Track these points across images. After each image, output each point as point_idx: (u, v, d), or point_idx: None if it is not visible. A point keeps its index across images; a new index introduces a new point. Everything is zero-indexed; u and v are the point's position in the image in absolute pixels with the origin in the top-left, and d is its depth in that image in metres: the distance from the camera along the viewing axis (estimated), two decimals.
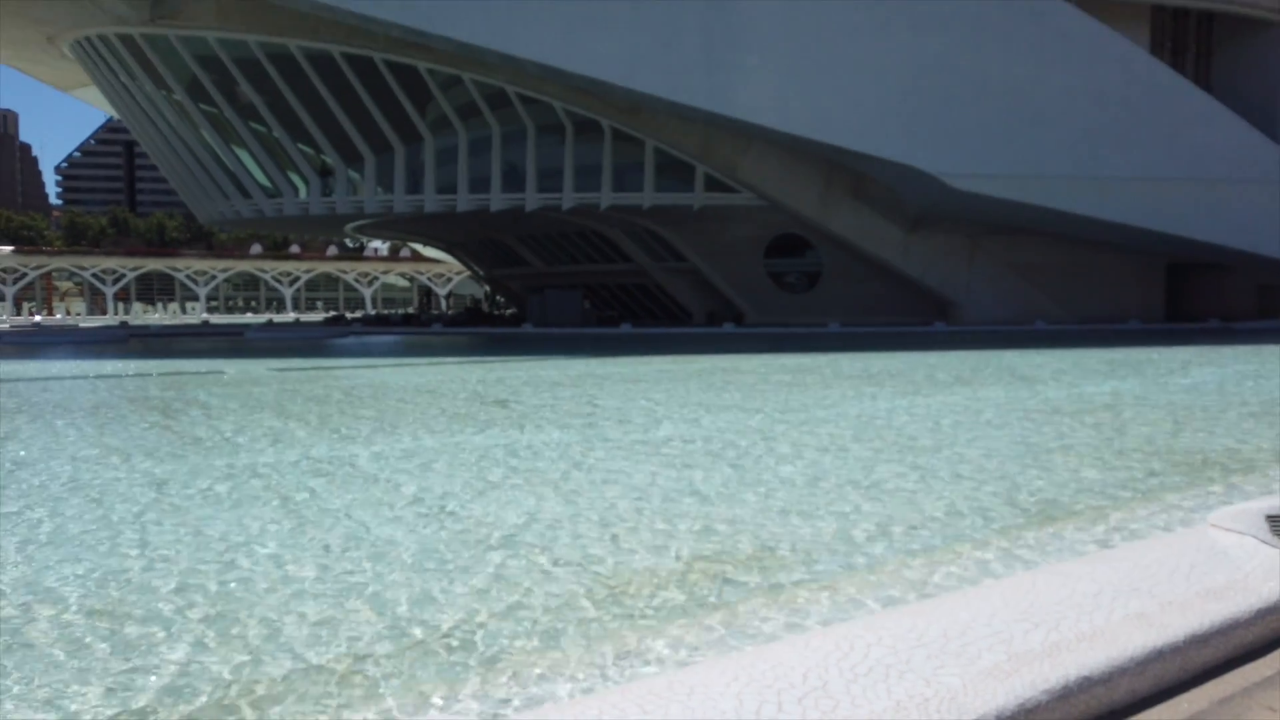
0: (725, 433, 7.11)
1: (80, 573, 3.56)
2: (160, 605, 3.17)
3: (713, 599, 3.17)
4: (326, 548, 3.87)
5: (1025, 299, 29.52)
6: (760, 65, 23.66)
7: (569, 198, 27.37)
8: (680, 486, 5.03)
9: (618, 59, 22.96)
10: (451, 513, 4.47)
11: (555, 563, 3.63)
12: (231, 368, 15.78)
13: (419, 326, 36.17)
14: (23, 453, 6.56)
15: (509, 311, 45.81)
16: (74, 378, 14.14)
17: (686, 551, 3.75)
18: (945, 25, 24.59)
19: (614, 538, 3.98)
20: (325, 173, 29.15)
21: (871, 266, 29.31)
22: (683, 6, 23.08)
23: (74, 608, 3.15)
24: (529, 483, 5.18)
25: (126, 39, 27.37)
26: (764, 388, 10.93)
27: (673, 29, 23.10)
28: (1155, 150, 25.69)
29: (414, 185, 28.27)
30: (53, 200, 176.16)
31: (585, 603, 3.15)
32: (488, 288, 51.48)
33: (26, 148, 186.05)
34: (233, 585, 3.38)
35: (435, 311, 57.21)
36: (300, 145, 28.68)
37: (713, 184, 27.62)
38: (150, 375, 14.24)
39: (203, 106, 28.77)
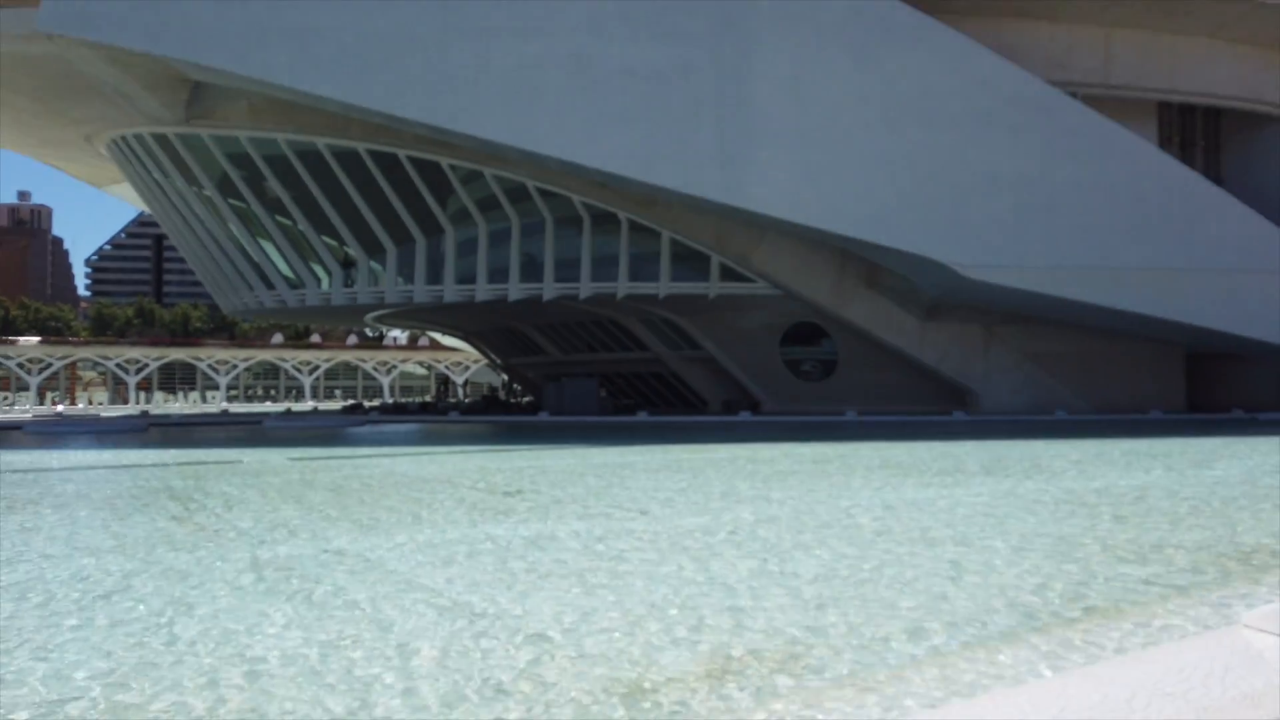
0: (749, 524, 7.04)
1: (105, 669, 3.53)
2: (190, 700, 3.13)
3: (748, 700, 3.11)
4: (353, 640, 3.83)
5: (1044, 388, 29.38)
6: (773, 160, 24.22)
7: (586, 287, 27.76)
8: (707, 579, 4.96)
9: (635, 154, 23.60)
10: (480, 613, 4.42)
11: (582, 656, 3.58)
12: (249, 457, 15.84)
13: (436, 415, 36.29)
14: (46, 548, 6.57)
15: (525, 400, 45.96)
16: (93, 468, 14.22)
17: (716, 648, 3.68)
18: (955, 122, 25.17)
19: (643, 632, 3.92)
20: (348, 264, 29.76)
21: (888, 355, 29.37)
22: (698, 106, 23.80)
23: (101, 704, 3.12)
24: (551, 575, 5.13)
25: (161, 138, 28.41)
26: (784, 477, 10.86)
27: (688, 126, 23.78)
28: (1168, 241, 25.87)
29: (434, 276, 28.79)
30: (81, 292, 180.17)
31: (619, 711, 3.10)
32: (504, 376, 51.80)
33: (58, 241, 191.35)
34: (257, 679, 3.34)
35: (452, 399, 57.48)
36: (324, 237, 29.39)
37: (728, 273, 27.99)
38: (168, 465, 14.31)
39: (231, 201, 29.64)
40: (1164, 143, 30.39)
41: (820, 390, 30.59)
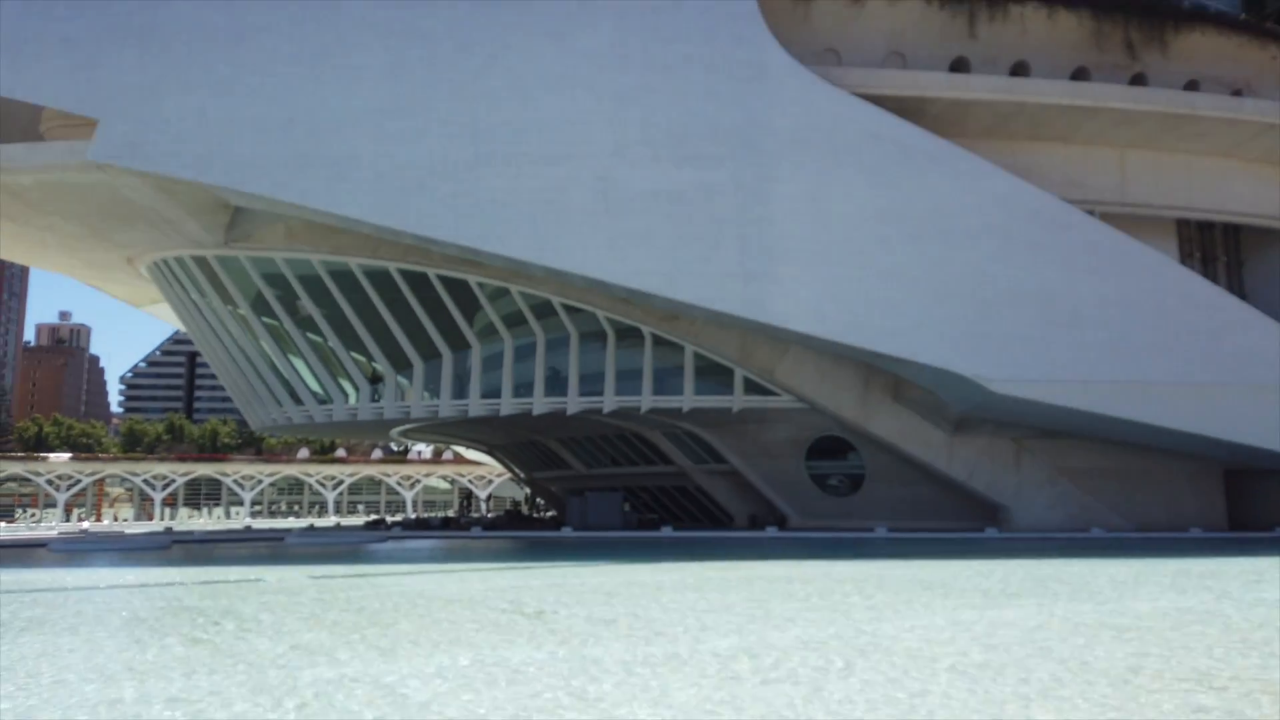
0: (786, 648, 6.78)
1: None
2: None
3: None
4: None
5: (1079, 504, 28.68)
6: (795, 275, 24.57)
7: (610, 401, 27.84)
8: (752, 710, 4.73)
9: (658, 271, 24.06)
10: None
11: None
12: (271, 574, 15.65)
13: (458, 530, 35.92)
14: (59, 674, 6.44)
15: (549, 514, 45.49)
16: (114, 587, 14.08)
17: None
18: (974, 238, 25.52)
19: None
20: (375, 379, 30.13)
21: (916, 469, 28.93)
22: (721, 224, 24.36)
23: None
24: (584, 705, 4.92)
25: (201, 260, 29.37)
26: (816, 598, 10.52)
27: (711, 243, 24.28)
28: (1195, 355, 25.67)
29: (460, 390, 29.03)
30: (114, 409, 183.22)
31: None
32: (528, 490, 51.45)
33: (95, 359, 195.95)
34: None
35: (475, 514, 57.00)
36: (352, 354, 29.87)
37: (751, 387, 28.01)
38: (189, 584, 14.15)
39: (264, 320, 30.34)
40: (1185, 258, 30.54)
41: (848, 505, 30.06)
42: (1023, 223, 25.91)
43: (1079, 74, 29.67)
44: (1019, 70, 29.20)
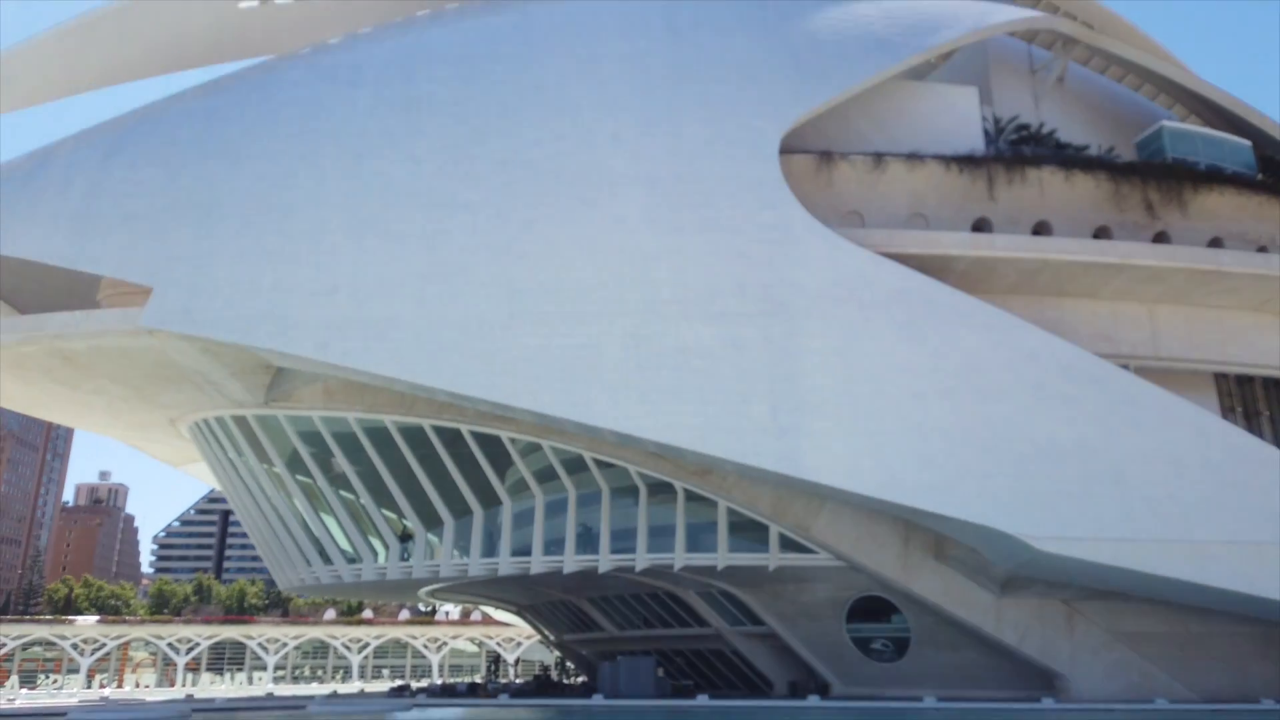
0: None
1: None
2: None
3: None
4: None
5: (1139, 672, 26.97)
6: (828, 430, 24.42)
7: (642, 559, 27.25)
8: None
9: (690, 426, 24.05)
10: None
11: None
12: None
13: (485, 698, 34.52)
14: None
15: (579, 679, 43.74)
16: None
17: None
18: (1007, 392, 25.37)
19: None
20: (405, 537, 29.90)
21: (964, 632, 27.60)
22: (751, 379, 24.51)
23: None
24: None
25: (240, 420, 29.97)
26: None
27: (742, 398, 24.36)
28: (1245, 513, 24.70)
29: (490, 548, 28.66)
30: (145, 569, 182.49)
31: None
32: (557, 653, 49.75)
33: (130, 519, 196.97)
34: None
35: (502, 679, 54.90)
36: (384, 510, 29.81)
37: (787, 544, 27.33)
38: None
39: (299, 478, 30.57)
40: (1226, 412, 29.99)
41: (894, 671, 28.56)
42: (1056, 377, 25.75)
43: (1101, 232, 30.30)
44: (1041, 229, 29.91)
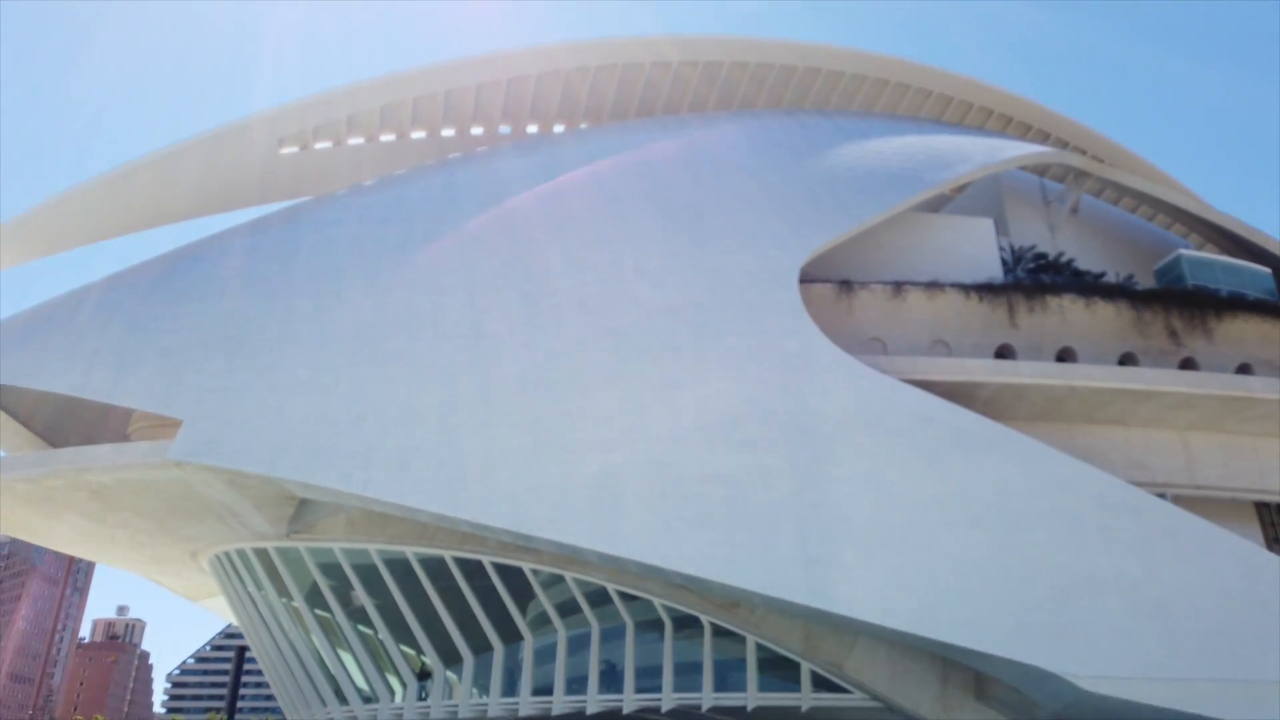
0: None
1: None
2: None
3: None
4: None
5: None
6: (858, 561, 23.78)
7: (668, 699, 26.14)
8: None
9: (716, 557, 23.52)
10: None
11: None
12: None
13: None
14: None
15: None
16: None
17: None
18: (1042, 523, 24.73)
19: None
20: (423, 675, 28.98)
21: None
22: (778, 508, 24.10)
23: None
24: None
25: (261, 553, 29.72)
26: None
27: (769, 528, 23.88)
28: None
29: (510, 687, 27.63)
30: (157, 708, 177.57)
31: None
32: None
33: (145, 655, 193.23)
34: None
35: None
36: (402, 646, 29.01)
37: (820, 682, 26.15)
38: None
39: (317, 612, 29.99)
40: (1271, 543, 29.00)
41: None
42: (1091, 507, 25.11)
43: (1126, 359, 30.21)
44: (1065, 356, 29.89)
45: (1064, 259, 33.70)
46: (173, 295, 27.76)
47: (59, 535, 32.12)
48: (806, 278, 27.70)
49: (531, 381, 25.48)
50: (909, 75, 38.50)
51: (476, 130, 35.60)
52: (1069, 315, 30.30)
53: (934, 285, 29.71)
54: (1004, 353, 29.65)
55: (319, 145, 33.58)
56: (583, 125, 36.52)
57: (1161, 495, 26.75)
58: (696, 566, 23.60)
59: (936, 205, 36.55)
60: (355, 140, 34.08)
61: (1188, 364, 30.19)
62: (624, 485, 24.20)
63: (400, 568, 28.00)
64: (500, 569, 27.27)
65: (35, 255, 32.54)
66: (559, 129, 36.48)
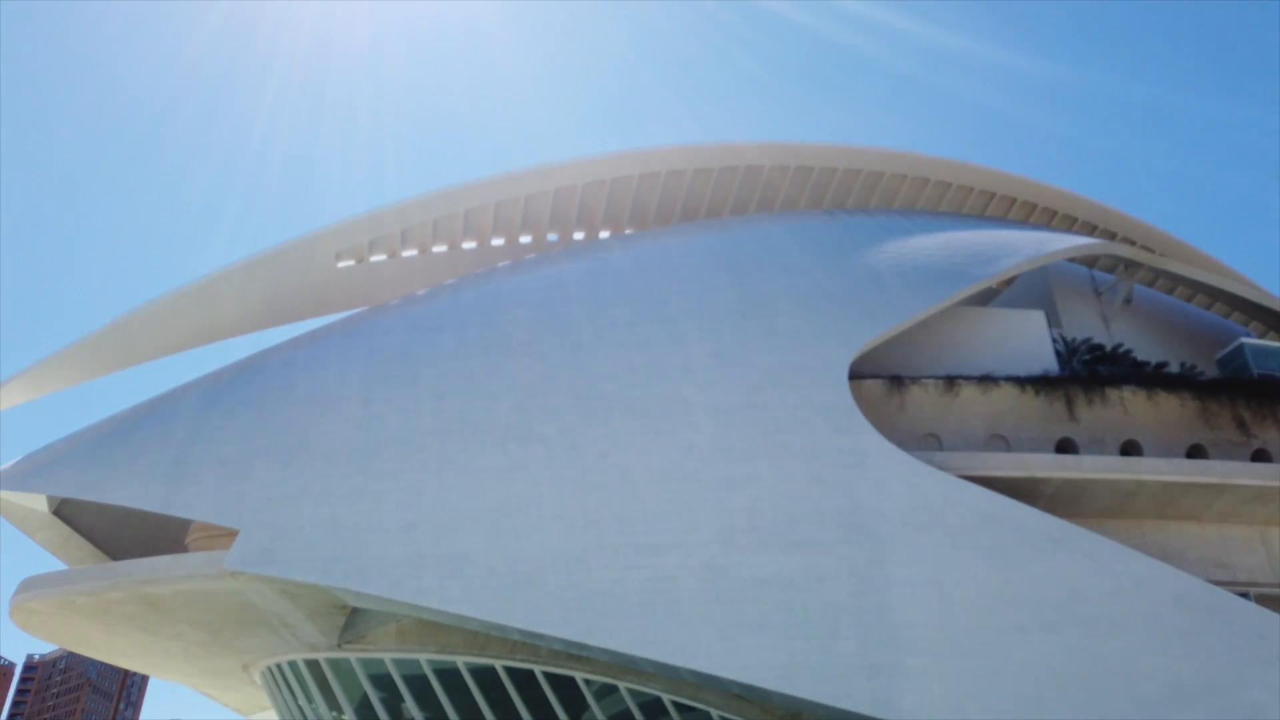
0: None
1: None
2: None
3: None
4: None
5: None
6: (924, 668, 22.72)
7: None
8: None
9: (774, 665, 22.68)
10: None
11: None
12: None
13: None
14: None
15: None
16: None
17: None
18: (1118, 626, 23.59)
19: None
20: None
21: None
22: (837, 612, 23.29)
23: None
24: None
25: (313, 664, 29.40)
26: None
27: (828, 633, 23.04)
28: None
29: None
30: None
31: None
32: None
33: None
34: None
35: None
36: None
37: None
38: None
39: None
40: None
41: None
42: (1170, 609, 23.84)
43: (1195, 451, 29.19)
44: (1130, 449, 28.98)
45: (1121, 349, 33.05)
46: (231, 407, 28.43)
47: (116, 649, 32.18)
48: (856, 374, 27.47)
49: (581, 484, 25.35)
50: (950, 173, 38.91)
51: (525, 238, 36.60)
52: (1130, 407, 29.51)
53: (988, 379, 29.23)
54: (1065, 447, 28.84)
55: (374, 258, 34.71)
56: (628, 230, 37.28)
57: (1244, 595, 25.36)
58: (754, 675, 22.74)
59: (985, 299, 36.30)
60: (409, 252, 35.18)
61: (1260, 455, 29.03)
62: (676, 589, 23.65)
63: (451, 678, 27.41)
64: (552, 679, 26.55)
65: (102, 373, 33.74)
66: (604, 234, 37.31)
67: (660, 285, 30.69)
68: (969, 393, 29.07)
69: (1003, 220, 39.60)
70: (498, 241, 36.36)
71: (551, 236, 37.07)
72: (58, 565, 31.53)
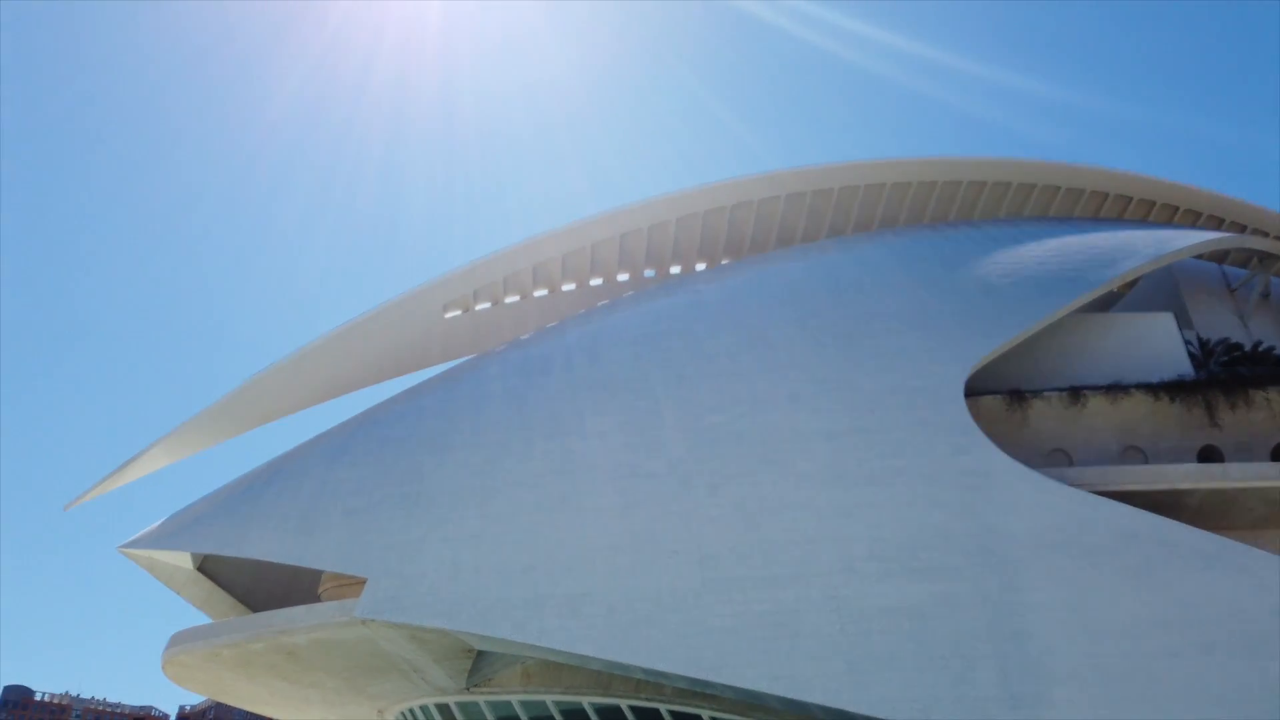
0: None
1: None
2: None
3: None
4: None
5: None
6: (1070, 699, 21.41)
7: None
8: None
9: (909, 698, 21.74)
10: None
11: None
12: None
13: None
14: None
15: None
16: None
17: None
18: None
19: None
20: None
21: None
22: (972, 641, 22.25)
23: None
24: None
25: (443, 707, 29.92)
26: None
27: (965, 663, 21.98)
28: None
29: None
30: None
31: None
32: None
33: None
34: None
35: None
36: None
37: None
38: None
39: None
40: None
41: None
42: None
43: None
44: None
45: (1262, 348, 30.84)
46: (355, 459, 29.40)
47: (259, 697, 33.48)
48: (971, 391, 26.42)
49: (694, 518, 25.08)
50: (1056, 177, 37.41)
51: (623, 276, 36.93)
52: (1278, 408, 27.42)
53: (1116, 388, 27.69)
54: (1208, 455, 26.98)
55: (479, 307, 35.59)
56: (723, 260, 37.18)
57: None
58: (889, 710, 21.83)
59: (1106, 304, 34.50)
60: (511, 299, 35.96)
61: None
62: (799, 623, 23.03)
63: (577, 718, 27.37)
64: (678, 717, 26.19)
65: (234, 435, 35.51)
66: (700, 267, 37.29)
67: (759, 313, 30.36)
68: (1096, 403, 27.58)
69: (1119, 220, 37.75)
70: (595, 282, 36.84)
71: (649, 273, 37.31)
72: (203, 619, 33.17)
